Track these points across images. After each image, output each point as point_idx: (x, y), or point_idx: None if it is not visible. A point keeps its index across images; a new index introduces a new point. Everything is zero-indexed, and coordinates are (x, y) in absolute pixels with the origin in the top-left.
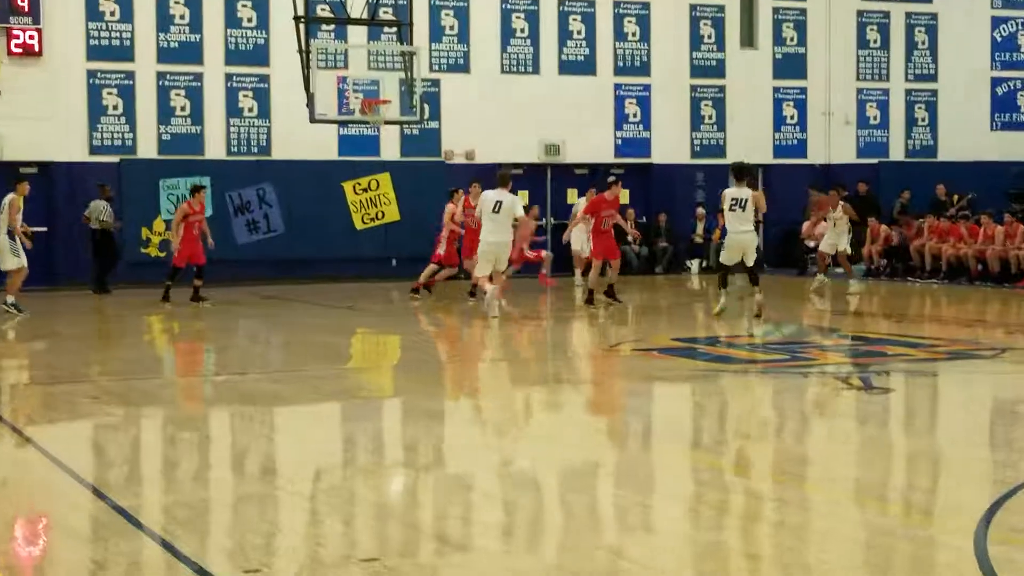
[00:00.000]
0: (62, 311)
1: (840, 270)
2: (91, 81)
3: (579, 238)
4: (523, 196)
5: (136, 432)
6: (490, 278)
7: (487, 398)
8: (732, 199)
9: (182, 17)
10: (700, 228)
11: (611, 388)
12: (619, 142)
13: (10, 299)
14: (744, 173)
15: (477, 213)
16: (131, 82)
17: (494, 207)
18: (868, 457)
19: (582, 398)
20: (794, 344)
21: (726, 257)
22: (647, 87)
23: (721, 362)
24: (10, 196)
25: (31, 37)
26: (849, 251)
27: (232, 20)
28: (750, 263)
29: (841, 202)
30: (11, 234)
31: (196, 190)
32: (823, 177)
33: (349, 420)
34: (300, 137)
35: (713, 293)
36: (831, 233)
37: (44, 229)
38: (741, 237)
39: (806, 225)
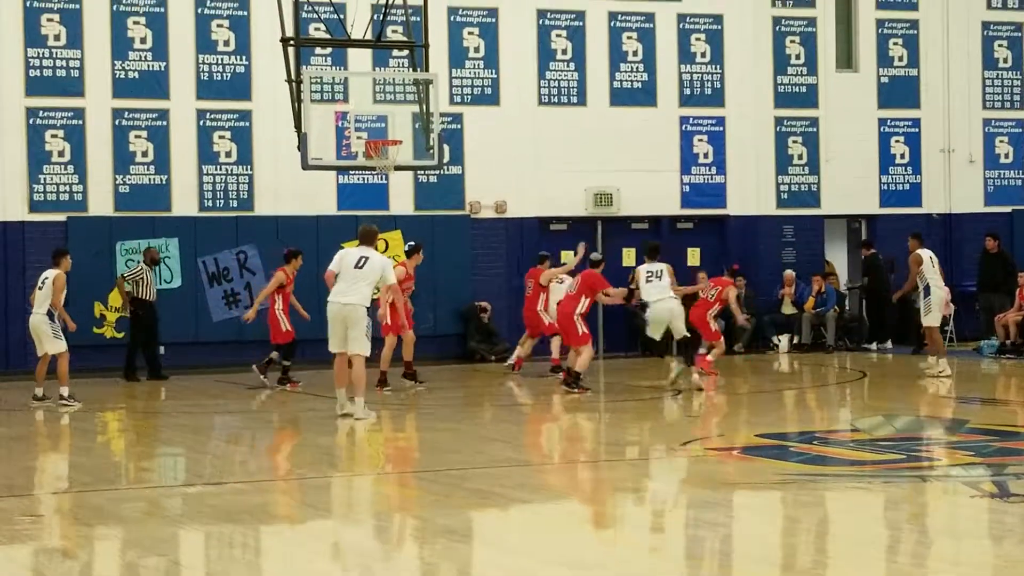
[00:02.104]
0: None
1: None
2: (31, 121)
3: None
4: (567, 257)
5: (88, 559)
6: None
7: (521, 512)
8: (647, 271)
9: (143, 40)
10: (789, 295)
11: (680, 498)
12: (686, 189)
13: (65, 391)
14: (657, 252)
15: (335, 268)
16: (80, 121)
17: (357, 262)
18: None
19: (645, 512)
20: (910, 441)
21: (652, 331)
22: (720, 120)
23: (818, 464)
24: (55, 272)
25: None
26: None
27: (205, 43)
28: (679, 336)
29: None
30: (51, 314)
31: (294, 255)
32: (943, 230)
33: (349, 540)
34: (290, 188)
35: (810, 379)
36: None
37: None
38: (664, 304)
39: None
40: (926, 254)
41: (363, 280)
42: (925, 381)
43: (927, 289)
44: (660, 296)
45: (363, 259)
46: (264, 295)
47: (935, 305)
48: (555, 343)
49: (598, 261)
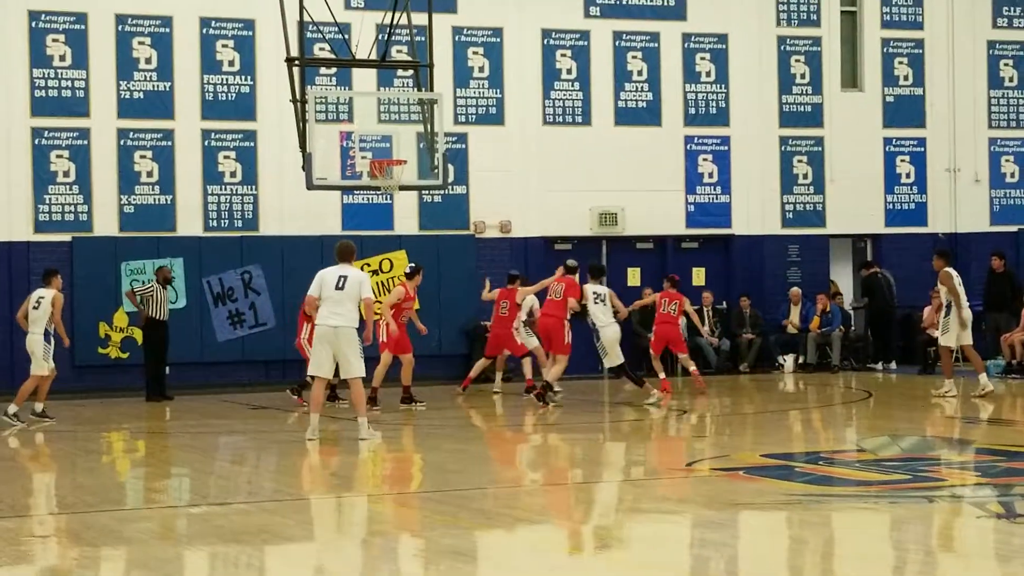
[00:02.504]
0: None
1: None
2: (36, 141)
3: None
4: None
5: None
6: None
7: (527, 533)
8: (594, 293)
9: (148, 61)
10: (795, 315)
11: (686, 519)
12: (691, 208)
13: (39, 407)
14: (602, 274)
15: (315, 293)
16: (85, 142)
17: (337, 283)
18: None
19: (650, 532)
20: (916, 461)
21: (609, 359)
22: (725, 140)
23: (824, 484)
24: (51, 292)
25: None
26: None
27: (210, 64)
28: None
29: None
30: (47, 335)
31: (415, 272)
32: (948, 249)
33: (354, 561)
34: (294, 208)
35: (814, 398)
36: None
37: None
38: (613, 328)
39: (927, 311)
40: (954, 273)
41: (347, 300)
42: (935, 401)
43: (948, 308)
44: (607, 321)
45: (342, 278)
46: (386, 311)
47: (954, 324)
48: (528, 364)
49: (574, 267)
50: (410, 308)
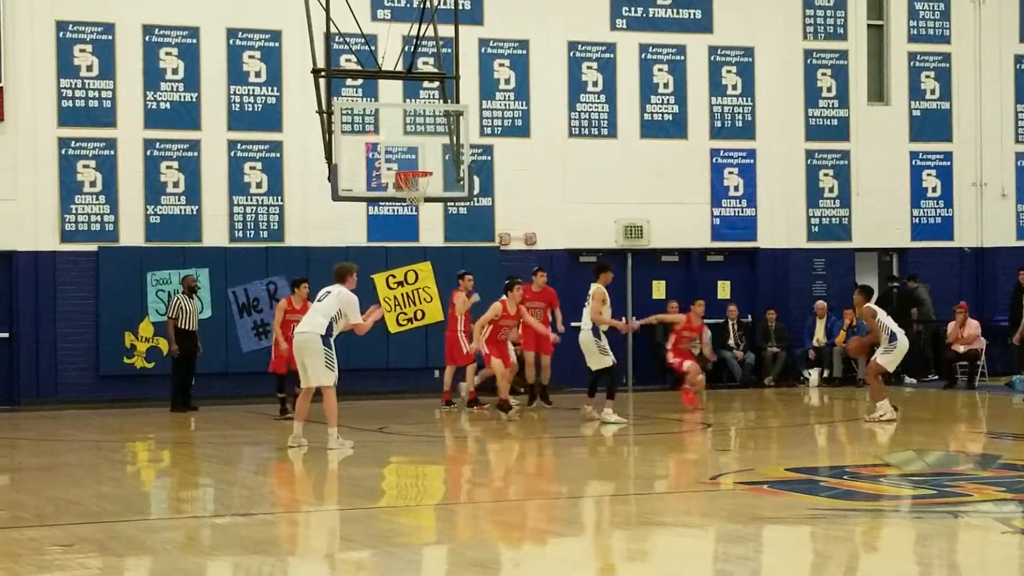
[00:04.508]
0: (26, 435)
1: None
2: (63, 151)
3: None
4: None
5: None
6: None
7: (553, 546)
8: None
9: (175, 72)
10: (820, 329)
11: (710, 532)
12: (717, 222)
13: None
14: (604, 269)
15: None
16: (112, 152)
17: (320, 296)
18: None
19: (675, 546)
20: (942, 476)
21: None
22: (751, 153)
23: (849, 499)
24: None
25: None
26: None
27: (236, 75)
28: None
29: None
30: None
31: (510, 286)
32: (975, 264)
33: (378, 572)
34: (320, 219)
35: (841, 413)
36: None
37: (6, 335)
38: (581, 335)
39: (952, 327)
40: (877, 308)
41: (319, 312)
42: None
43: (892, 335)
44: (581, 325)
45: (326, 293)
46: (482, 328)
47: (899, 353)
48: (470, 373)
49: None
50: (508, 327)
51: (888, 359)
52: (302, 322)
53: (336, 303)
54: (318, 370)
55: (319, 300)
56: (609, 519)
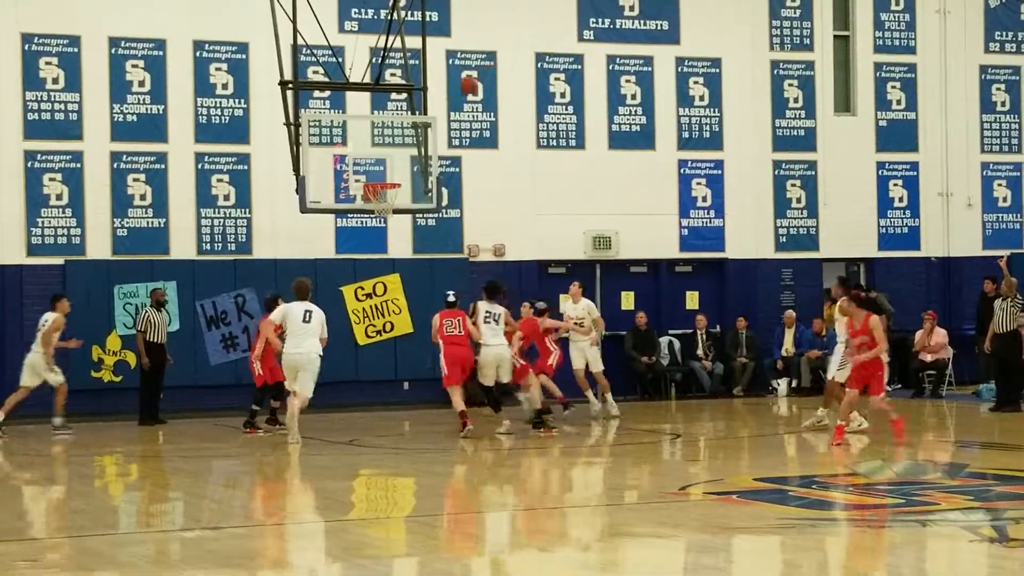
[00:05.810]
0: None
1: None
2: (29, 164)
3: (578, 355)
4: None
5: None
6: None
7: (521, 557)
8: (486, 311)
9: (141, 84)
10: (789, 339)
11: (679, 543)
12: (685, 232)
13: (58, 420)
14: (497, 293)
15: (277, 320)
16: (78, 165)
17: (304, 317)
18: None
19: (644, 557)
20: (910, 485)
21: (483, 376)
22: (719, 164)
23: (818, 508)
24: (53, 315)
25: None
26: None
27: (203, 87)
28: (505, 379)
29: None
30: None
31: (542, 311)
32: (941, 273)
33: None
34: (288, 231)
35: (808, 421)
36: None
37: None
38: (497, 351)
39: (919, 335)
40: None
41: (311, 334)
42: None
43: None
44: (495, 341)
45: (308, 313)
46: (515, 342)
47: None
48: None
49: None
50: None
51: (844, 373)
52: (300, 344)
53: (320, 321)
54: (308, 382)
55: (304, 321)
56: (579, 530)
